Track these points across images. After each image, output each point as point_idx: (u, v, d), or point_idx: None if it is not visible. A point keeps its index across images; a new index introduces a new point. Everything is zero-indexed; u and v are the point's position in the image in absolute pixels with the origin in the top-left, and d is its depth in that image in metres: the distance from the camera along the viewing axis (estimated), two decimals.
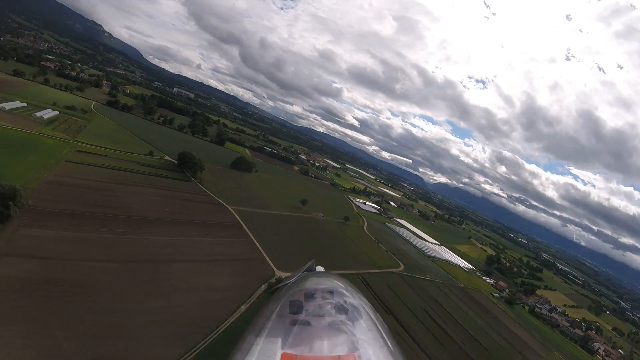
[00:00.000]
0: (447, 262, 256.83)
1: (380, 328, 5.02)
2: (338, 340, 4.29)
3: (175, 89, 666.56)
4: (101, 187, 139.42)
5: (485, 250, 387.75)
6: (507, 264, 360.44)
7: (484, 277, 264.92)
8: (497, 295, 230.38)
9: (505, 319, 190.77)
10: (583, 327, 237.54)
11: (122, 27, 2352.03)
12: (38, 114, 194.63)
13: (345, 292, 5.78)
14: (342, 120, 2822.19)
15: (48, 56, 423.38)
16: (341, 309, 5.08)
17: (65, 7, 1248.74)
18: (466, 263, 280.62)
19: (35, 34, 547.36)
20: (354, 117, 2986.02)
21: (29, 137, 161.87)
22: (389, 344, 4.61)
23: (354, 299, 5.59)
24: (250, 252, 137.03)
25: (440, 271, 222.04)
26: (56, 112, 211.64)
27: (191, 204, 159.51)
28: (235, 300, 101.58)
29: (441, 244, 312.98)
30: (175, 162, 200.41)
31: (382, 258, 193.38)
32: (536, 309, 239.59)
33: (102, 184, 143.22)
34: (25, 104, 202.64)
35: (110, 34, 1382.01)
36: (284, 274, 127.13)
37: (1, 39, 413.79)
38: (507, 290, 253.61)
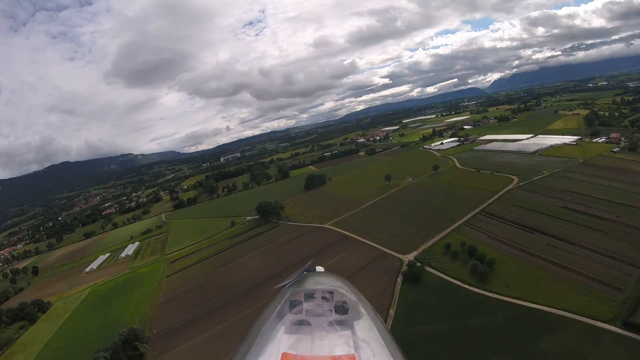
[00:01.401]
0: (552, 147, 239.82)
1: (380, 328, 4.68)
2: (338, 340, 4.21)
3: (221, 159, 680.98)
4: (207, 280, 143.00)
5: (579, 114, 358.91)
6: (606, 114, 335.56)
7: (594, 140, 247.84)
8: (617, 149, 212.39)
9: (639, 167, 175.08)
10: None
11: (148, 142, 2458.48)
12: (123, 254, 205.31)
13: (345, 292, 5.13)
14: (374, 86, 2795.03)
15: (105, 205, 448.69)
16: (341, 309, 4.74)
17: (94, 160, 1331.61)
18: (570, 137, 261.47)
19: (85, 195, 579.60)
20: (381, 77, 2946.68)
21: (127, 277, 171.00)
22: (389, 343, 4.38)
23: (354, 298, 5.04)
24: (369, 253, 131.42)
25: (553, 159, 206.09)
26: (137, 243, 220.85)
27: (291, 243, 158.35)
28: (382, 306, 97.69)
29: (535, 135, 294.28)
30: (257, 216, 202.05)
31: (492, 182, 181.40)
32: None
33: (206, 276, 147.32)
34: (108, 254, 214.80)
35: (142, 155, 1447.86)
36: (411, 256, 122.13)
37: (59, 218, 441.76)
38: (624, 138, 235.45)
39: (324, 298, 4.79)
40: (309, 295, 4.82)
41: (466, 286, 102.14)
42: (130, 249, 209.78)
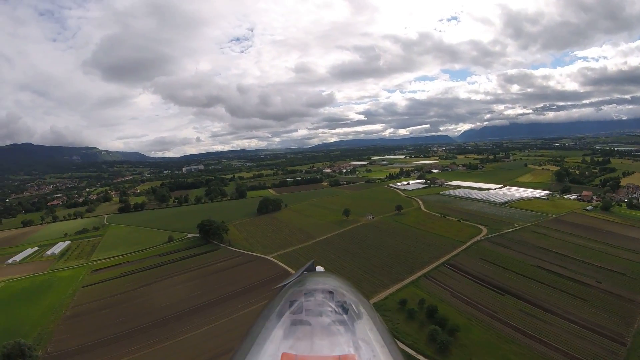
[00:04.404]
0: (523, 199, 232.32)
1: (380, 328, 4.68)
2: (338, 340, 4.17)
3: (183, 169, 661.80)
4: (124, 299, 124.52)
5: (549, 169, 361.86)
6: (577, 172, 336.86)
7: (565, 196, 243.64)
8: (590, 207, 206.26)
9: (616, 228, 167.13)
10: None
11: (114, 140, 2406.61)
12: (49, 251, 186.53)
13: (345, 292, 5.15)
14: (348, 121, 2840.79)
15: (55, 195, 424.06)
16: (341, 308, 4.74)
17: (57, 147, 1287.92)
18: (540, 191, 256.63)
19: (38, 182, 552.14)
20: (356, 113, 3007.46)
21: (43, 278, 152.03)
22: (389, 343, 4.38)
23: (354, 298, 5.05)
24: None
25: (523, 213, 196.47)
26: (68, 242, 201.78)
27: (226, 272, 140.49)
28: None
29: (504, 185, 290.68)
30: (199, 235, 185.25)
31: (459, 230, 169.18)
32: (634, 201, 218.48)
33: (125, 294, 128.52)
34: (37, 248, 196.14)
35: (107, 151, 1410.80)
36: None
37: (7, 200, 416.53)
38: (595, 197, 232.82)
39: (324, 298, 4.79)
40: (309, 295, 4.83)
41: (421, 358, 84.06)
42: (58, 247, 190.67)
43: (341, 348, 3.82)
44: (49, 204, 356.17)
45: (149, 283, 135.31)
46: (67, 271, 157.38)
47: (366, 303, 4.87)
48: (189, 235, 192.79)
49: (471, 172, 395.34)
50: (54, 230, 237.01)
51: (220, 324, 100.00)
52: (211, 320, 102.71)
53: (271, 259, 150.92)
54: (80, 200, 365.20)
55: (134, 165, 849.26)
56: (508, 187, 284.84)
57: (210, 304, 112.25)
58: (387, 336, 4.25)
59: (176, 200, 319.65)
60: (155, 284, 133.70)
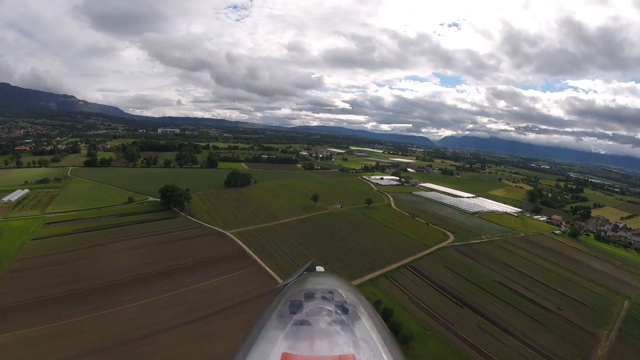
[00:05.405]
0: (493, 212, 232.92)
1: (380, 328, 4.64)
2: (338, 340, 4.10)
3: (159, 130, 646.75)
4: (71, 258, 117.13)
5: (522, 187, 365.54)
6: (549, 195, 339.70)
7: (535, 217, 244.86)
8: (559, 232, 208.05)
9: (581, 256, 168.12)
10: None
11: (94, 91, 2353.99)
12: (5, 198, 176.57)
13: (345, 292, 5.12)
14: (333, 108, 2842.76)
15: (25, 140, 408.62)
16: (341, 308, 4.70)
17: (34, 91, 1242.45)
18: (512, 207, 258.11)
19: (10, 124, 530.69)
20: (342, 101, 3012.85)
21: None
22: (389, 344, 4.34)
23: (354, 298, 5.04)
24: (262, 282, 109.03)
25: (492, 226, 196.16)
26: (26, 191, 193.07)
27: (180, 243, 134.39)
28: None
29: (477, 196, 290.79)
30: (160, 200, 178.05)
31: (426, 234, 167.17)
32: (602, 233, 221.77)
33: (74, 253, 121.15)
34: None
35: (85, 102, 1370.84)
36: None
37: None
38: (564, 223, 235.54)
39: (324, 298, 4.78)
40: (309, 295, 4.83)
41: None
42: (16, 195, 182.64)
43: (341, 348, 3.76)
44: (16, 148, 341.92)
45: (99, 244, 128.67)
46: (19, 221, 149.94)
47: (366, 303, 4.80)
48: (150, 198, 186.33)
49: (446, 177, 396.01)
50: (15, 176, 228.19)
51: (163, 297, 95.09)
52: (155, 292, 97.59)
53: (230, 235, 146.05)
54: (49, 148, 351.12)
55: (110, 119, 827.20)
56: (480, 197, 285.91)
57: (158, 275, 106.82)
58: (387, 336, 4.23)
59: (145, 161, 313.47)
60: (106, 246, 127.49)
